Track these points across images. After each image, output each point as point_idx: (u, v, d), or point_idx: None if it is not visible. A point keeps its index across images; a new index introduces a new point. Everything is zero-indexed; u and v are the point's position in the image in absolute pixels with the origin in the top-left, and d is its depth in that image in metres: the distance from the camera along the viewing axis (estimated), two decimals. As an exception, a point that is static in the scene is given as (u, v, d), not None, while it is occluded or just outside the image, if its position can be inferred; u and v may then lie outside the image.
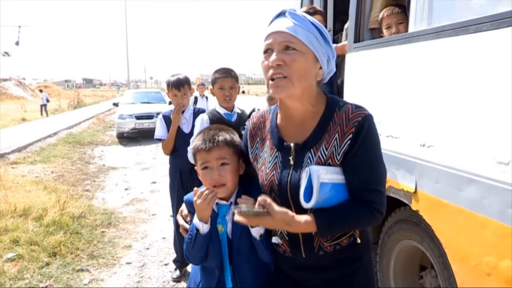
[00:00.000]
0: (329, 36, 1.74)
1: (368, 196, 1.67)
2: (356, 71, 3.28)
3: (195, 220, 1.91)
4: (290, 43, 1.62)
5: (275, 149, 1.81)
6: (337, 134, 1.67)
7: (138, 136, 16.01)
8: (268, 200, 1.66)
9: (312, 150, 1.71)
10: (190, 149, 2.07)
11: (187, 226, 2.04)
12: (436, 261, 2.61)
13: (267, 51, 1.67)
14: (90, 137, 16.57)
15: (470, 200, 2.14)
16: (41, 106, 28.35)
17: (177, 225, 4.36)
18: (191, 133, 4.13)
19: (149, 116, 15.77)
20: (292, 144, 1.75)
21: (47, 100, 29.12)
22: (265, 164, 1.83)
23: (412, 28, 2.68)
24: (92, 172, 10.24)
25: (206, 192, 1.87)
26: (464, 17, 2.21)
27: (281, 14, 1.70)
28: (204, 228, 1.90)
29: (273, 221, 1.65)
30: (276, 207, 1.65)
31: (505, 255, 1.93)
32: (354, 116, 1.66)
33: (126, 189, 8.59)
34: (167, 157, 4.45)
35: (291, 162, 1.74)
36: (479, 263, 2.10)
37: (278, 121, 1.85)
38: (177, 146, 4.27)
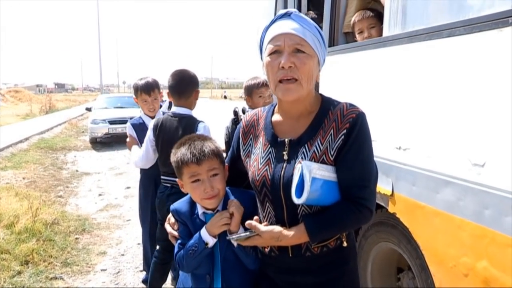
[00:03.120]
0: (325, 40, 1.79)
1: (359, 193, 1.69)
2: (331, 75, 3.28)
3: (205, 234, 1.92)
4: (301, 46, 1.66)
5: (269, 145, 1.83)
6: (332, 130, 1.71)
7: (112, 141, 15.81)
8: (253, 222, 1.74)
9: (306, 145, 1.73)
10: (172, 161, 2.03)
11: (175, 233, 2.07)
12: (413, 263, 2.63)
13: (275, 52, 1.69)
14: (63, 142, 16.29)
15: (446, 202, 2.16)
16: None
17: (150, 240, 4.30)
18: None
19: (123, 121, 15.54)
20: (286, 140, 1.77)
21: None
22: (258, 160, 1.84)
23: (386, 32, 2.70)
24: (65, 178, 10.04)
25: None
26: (438, 22, 2.24)
27: (286, 15, 1.72)
28: (213, 242, 1.93)
29: (263, 239, 1.73)
30: (262, 227, 1.73)
31: (481, 256, 1.96)
32: (348, 113, 1.71)
33: (100, 194, 8.45)
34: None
35: (285, 157, 1.76)
36: (456, 264, 2.12)
37: (273, 118, 1.88)
38: None
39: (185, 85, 3.39)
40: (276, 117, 1.87)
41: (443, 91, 2.18)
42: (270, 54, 1.70)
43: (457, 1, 2.23)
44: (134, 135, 4.09)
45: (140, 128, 4.11)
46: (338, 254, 1.84)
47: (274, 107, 1.91)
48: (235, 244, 1.90)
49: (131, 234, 6.06)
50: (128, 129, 4.17)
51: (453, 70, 2.12)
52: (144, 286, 4.46)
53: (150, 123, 3.51)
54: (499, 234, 1.86)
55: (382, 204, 2.74)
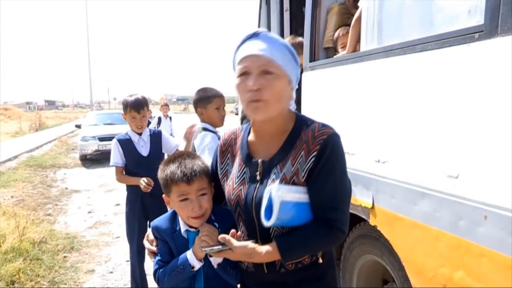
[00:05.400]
0: (298, 57, 1.78)
1: (331, 215, 1.67)
2: (312, 90, 3.33)
3: (192, 258, 1.91)
4: (268, 67, 1.64)
5: (243, 165, 1.83)
6: (303, 152, 1.69)
7: (102, 158, 15.69)
8: (227, 237, 1.73)
9: (278, 166, 1.72)
10: (160, 177, 2.01)
11: (154, 249, 2.06)
12: (396, 275, 2.65)
13: (244, 74, 1.68)
14: (52, 160, 16.20)
15: (424, 214, 2.20)
16: None
17: (138, 259, 4.27)
18: (149, 156, 4.06)
19: (113, 138, 15.44)
20: (259, 160, 1.78)
21: None
22: (233, 179, 1.85)
23: (364, 47, 2.75)
24: (54, 196, 9.98)
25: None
26: (412, 37, 2.29)
27: (255, 35, 1.71)
28: (199, 265, 1.93)
29: (235, 255, 1.72)
30: (235, 242, 1.72)
31: (458, 266, 1.99)
32: (319, 134, 1.69)
33: (89, 212, 8.40)
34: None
35: (258, 177, 1.76)
36: (435, 275, 2.15)
37: (249, 138, 1.88)
38: (137, 171, 4.03)
39: (194, 103, 3.43)
40: (252, 137, 1.87)
41: (417, 105, 2.23)
42: (239, 76, 1.70)
43: (430, 17, 2.29)
44: (119, 151, 4.13)
45: (126, 144, 4.13)
46: (313, 269, 1.84)
47: (251, 126, 1.91)
48: (215, 264, 1.92)
49: (120, 251, 6.03)
50: (113, 145, 4.17)
51: (426, 85, 2.17)
52: None
53: None
54: (473, 244, 1.89)
55: (364, 217, 2.77)
